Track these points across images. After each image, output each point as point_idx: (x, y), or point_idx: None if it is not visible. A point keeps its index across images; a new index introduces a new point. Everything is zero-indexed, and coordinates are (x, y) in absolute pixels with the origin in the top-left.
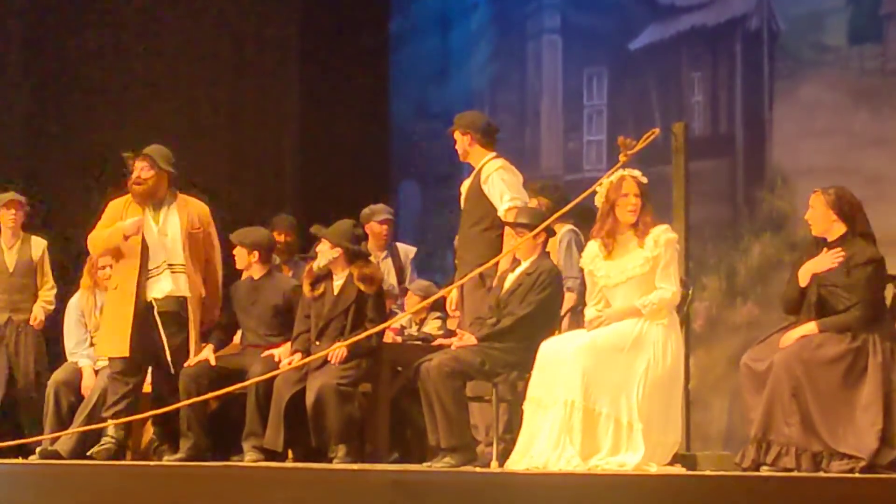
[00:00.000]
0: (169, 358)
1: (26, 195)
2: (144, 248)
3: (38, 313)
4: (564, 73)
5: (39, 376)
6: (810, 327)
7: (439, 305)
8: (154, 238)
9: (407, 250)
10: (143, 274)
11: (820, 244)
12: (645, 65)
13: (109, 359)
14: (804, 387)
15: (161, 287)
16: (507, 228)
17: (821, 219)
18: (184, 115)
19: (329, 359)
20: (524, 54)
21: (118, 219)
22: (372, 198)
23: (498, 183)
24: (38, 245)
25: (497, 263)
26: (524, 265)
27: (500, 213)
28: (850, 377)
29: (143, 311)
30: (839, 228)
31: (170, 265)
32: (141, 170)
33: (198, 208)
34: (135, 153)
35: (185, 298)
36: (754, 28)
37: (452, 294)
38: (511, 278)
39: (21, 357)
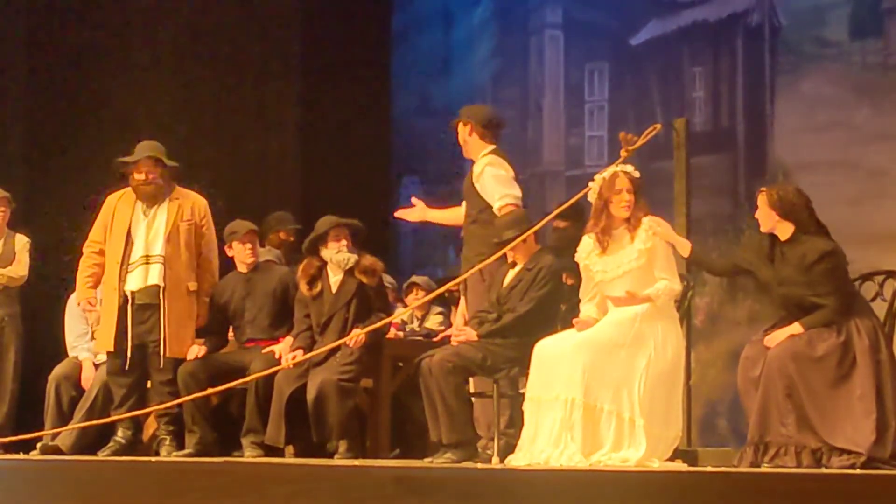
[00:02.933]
0: (162, 349)
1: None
2: (128, 243)
3: None
4: (566, 68)
5: (17, 366)
6: (795, 328)
7: (441, 300)
8: (141, 232)
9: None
10: (124, 268)
11: (772, 240)
12: (646, 60)
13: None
14: (798, 385)
15: (136, 279)
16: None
17: (765, 218)
18: (185, 113)
19: (349, 344)
20: (526, 50)
21: (110, 214)
22: (373, 193)
23: (489, 180)
24: (21, 241)
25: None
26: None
27: (496, 212)
28: (841, 371)
29: (124, 305)
30: (787, 227)
31: (147, 256)
32: (148, 172)
33: (193, 200)
34: (132, 157)
35: (158, 288)
36: (755, 23)
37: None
38: (511, 274)
39: (3, 350)
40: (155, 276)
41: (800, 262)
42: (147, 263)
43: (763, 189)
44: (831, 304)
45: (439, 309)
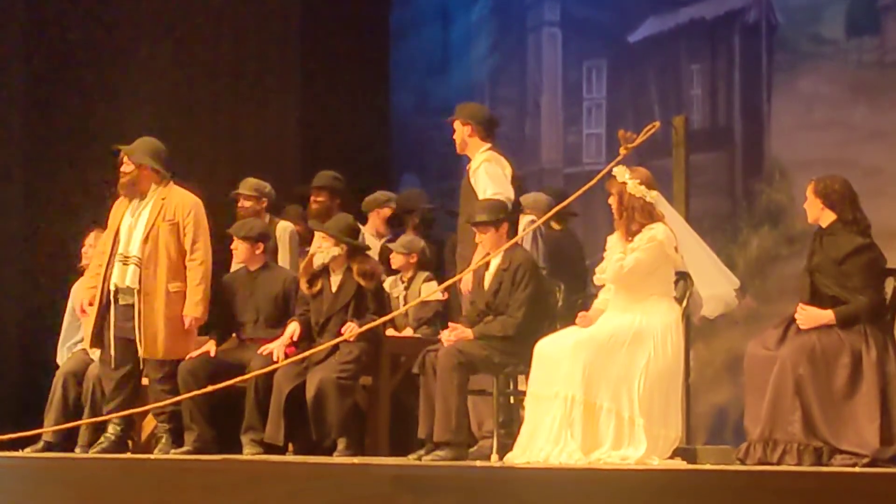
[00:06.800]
0: (140, 350)
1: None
2: (116, 241)
3: None
4: (564, 65)
5: None
6: (828, 316)
7: (427, 263)
8: (124, 231)
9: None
10: (112, 264)
11: (817, 233)
12: (644, 58)
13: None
14: (807, 385)
15: (116, 276)
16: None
17: (810, 206)
18: (184, 110)
19: (343, 332)
20: (524, 47)
21: (116, 216)
22: (372, 191)
23: (482, 177)
24: None
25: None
26: (496, 260)
27: None
28: (850, 378)
29: (107, 300)
30: (829, 216)
31: (125, 257)
32: (123, 164)
33: (179, 199)
34: (120, 148)
35: (134, 290)
36: (753, 21)
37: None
38: (489, 277)
39: None
40: (129, 277)
41: (835, 253)
42: (125, 264)
43: (813, 179)
44: (864, 300)
45: (426, 274)
